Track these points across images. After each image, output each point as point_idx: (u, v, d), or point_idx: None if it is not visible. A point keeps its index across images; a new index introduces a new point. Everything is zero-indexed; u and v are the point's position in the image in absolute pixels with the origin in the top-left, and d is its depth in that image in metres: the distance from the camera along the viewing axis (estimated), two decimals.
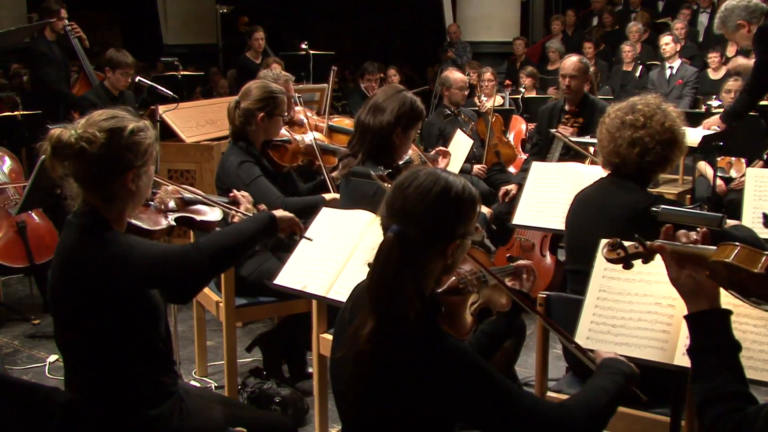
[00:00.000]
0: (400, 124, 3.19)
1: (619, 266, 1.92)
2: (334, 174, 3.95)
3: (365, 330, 1.63)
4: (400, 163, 3.35)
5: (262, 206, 2.76)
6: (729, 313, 1.70)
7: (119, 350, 2.10)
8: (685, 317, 1.74)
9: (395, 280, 1.61)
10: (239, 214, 2.64)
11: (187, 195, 2.59)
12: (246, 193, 2.80)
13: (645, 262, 1.87)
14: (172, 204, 2.54)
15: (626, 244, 1.88)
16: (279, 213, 2.40)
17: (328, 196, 3.62)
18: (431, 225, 1.66)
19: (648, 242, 1.83)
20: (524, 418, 1.66)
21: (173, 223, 2.49)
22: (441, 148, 4.04)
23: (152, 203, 2.45)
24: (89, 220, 2.08)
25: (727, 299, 1.72)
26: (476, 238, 1.73)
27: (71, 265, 2.05)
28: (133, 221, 2.33)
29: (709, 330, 1.68)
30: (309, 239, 2.60)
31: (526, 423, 1.66)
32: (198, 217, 2.57)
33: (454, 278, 2.25)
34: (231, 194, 2.77)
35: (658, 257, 1.82)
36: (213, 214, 2.64)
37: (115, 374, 2.11)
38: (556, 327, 2.13)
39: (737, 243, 1.62)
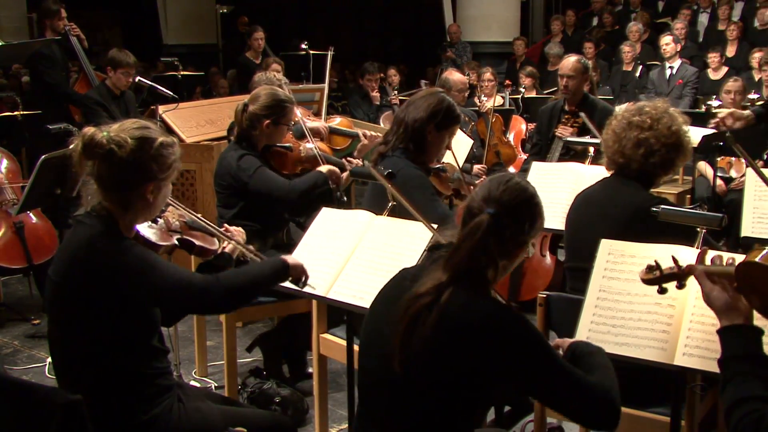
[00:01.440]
0: (434, 120, 3.22)
1: (654, 288, 1.99)
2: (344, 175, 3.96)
3: (431, 283, 1.80)
4: (435, 167, 3.37)
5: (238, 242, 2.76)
6: (762, 332, 1.75)
7: (116, 349, 2.10)
8: (718, 331, 1.78)
9: (483, 250, 1.81)
10: (233, 242, 2.71)
11: (190, 219, 2.66)
12: (241, 229, 2.82)
13: (679, 286, 1.94)
14: (176, 225, 2.60)
15: (663, 266, 1.93)
16: (292, 261, 2.48)
17: (324, 168, 3.64)
18: (520, 218, 1.86)
19: (681, 264, 1.90)
20: (574, 391, 1.80)
21: (176, 243, 2.54)
22: (482, 165, 4.05)
23: (159, 220, 2.49)
24: (103, 223, 2.11)
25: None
26: (530, 251, 1.92)
27: (81, 264, 2.06)
28: (142, 233, 2.35)
29: (743, 341, 1.73)
30: (312, 288, 2.68)
31: (575, 396, 1.80)
32: (198, 242, 2.64)
33: None
34: (224, 227, 2.79)
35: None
36: (212, 242, 2.71)
37: (111, 374, 2.11)
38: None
39: (766, 246, 1.70)
